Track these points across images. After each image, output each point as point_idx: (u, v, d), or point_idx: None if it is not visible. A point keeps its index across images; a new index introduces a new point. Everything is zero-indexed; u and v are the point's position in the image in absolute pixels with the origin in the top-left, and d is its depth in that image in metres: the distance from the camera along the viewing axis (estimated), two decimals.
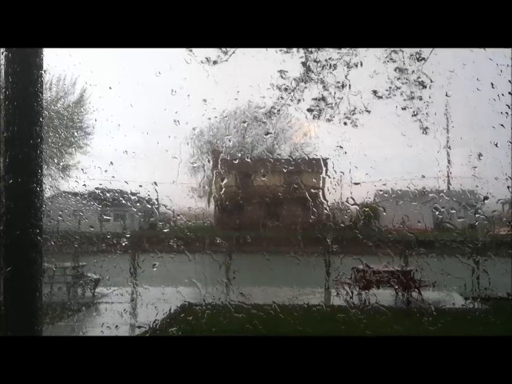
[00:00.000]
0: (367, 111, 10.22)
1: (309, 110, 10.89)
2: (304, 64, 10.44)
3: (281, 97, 10.77)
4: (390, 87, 9.98)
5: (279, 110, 11.31)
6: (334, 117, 10.67)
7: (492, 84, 5.84)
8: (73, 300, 11.61)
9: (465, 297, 9.38)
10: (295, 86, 10.61)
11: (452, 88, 9.14)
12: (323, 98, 10.78)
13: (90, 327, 9.37)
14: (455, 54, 7.51)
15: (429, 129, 9.16)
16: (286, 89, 10.56)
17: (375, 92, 9.97)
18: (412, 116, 9.89)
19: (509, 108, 5.52)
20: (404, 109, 9.83)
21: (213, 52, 9.89)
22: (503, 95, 5.62)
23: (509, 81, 5.22)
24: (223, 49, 10.00)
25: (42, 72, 2.21)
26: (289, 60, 10.05)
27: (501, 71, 5.52)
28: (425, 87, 9.98)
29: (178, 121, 7.27)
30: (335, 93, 10.55)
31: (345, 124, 10.36)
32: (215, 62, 10.08)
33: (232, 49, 10.01)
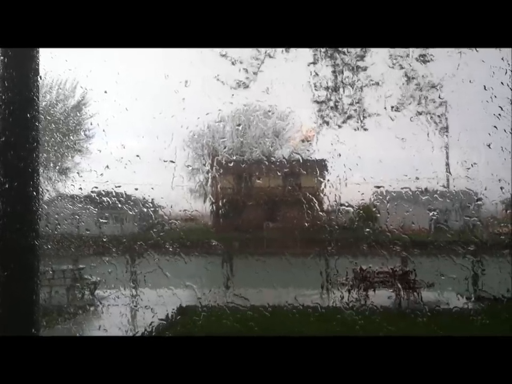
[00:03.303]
0: (377, 115, 10.20)
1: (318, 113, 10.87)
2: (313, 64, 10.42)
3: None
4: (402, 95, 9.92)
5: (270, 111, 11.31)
6: (335, 119, 10.65)
7: (484, 86, 5.88)
8: (73, 302, 11.57)
9: (460, 298, 9.41)
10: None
11: (444, 91, 9.20)
12: (326, 102, 10.77)
13: (87, 330, 9.37)
14: (448, 57, 7.57)
15: (447, 129, 9.15)
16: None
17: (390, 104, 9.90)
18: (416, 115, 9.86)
19: (502, 109, 5.56)
20: (419, 113, 9.78)
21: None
22: (495, 97, 5.66)
23: (507, 84, 5.26)
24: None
25: (38, 77, 2.23)
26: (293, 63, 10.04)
27: (494, 72, 5.56)
28: (421, 89, 10.00)
29: (174, 124, 7.31)
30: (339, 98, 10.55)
31: (356, 129, 10.34)
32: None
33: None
